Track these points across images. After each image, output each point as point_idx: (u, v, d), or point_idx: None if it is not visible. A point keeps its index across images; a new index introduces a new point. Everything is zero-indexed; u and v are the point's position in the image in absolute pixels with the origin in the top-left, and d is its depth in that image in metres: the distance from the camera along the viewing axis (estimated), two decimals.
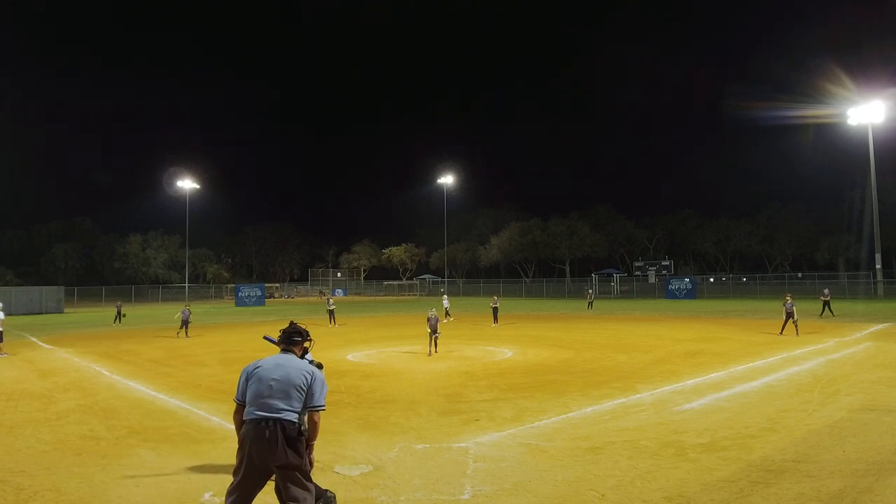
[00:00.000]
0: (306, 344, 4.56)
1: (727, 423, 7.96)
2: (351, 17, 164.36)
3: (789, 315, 19.42)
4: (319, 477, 6.07)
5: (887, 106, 46.00)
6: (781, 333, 19.32)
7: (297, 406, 4.06)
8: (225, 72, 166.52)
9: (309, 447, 4.14)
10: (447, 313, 30.52)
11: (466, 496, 5.51)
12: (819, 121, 53.44)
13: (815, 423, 7.94)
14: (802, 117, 54.99)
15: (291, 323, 4.58)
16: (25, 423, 8.79)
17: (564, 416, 8.64)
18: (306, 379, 4.11)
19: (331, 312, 28.93)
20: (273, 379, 4.08)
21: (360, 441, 7.47)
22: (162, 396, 10.79)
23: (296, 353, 4.39)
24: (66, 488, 5.90)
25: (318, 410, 4.12)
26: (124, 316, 33.49)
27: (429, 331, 16.23)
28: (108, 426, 8.55)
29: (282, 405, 4.01)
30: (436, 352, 15.87)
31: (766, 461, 6.34)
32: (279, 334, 4.53)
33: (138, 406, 10.03)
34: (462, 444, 7.19)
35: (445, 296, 33.73)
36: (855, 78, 48.42)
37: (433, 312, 16.60)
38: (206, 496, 5.63)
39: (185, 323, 23.08)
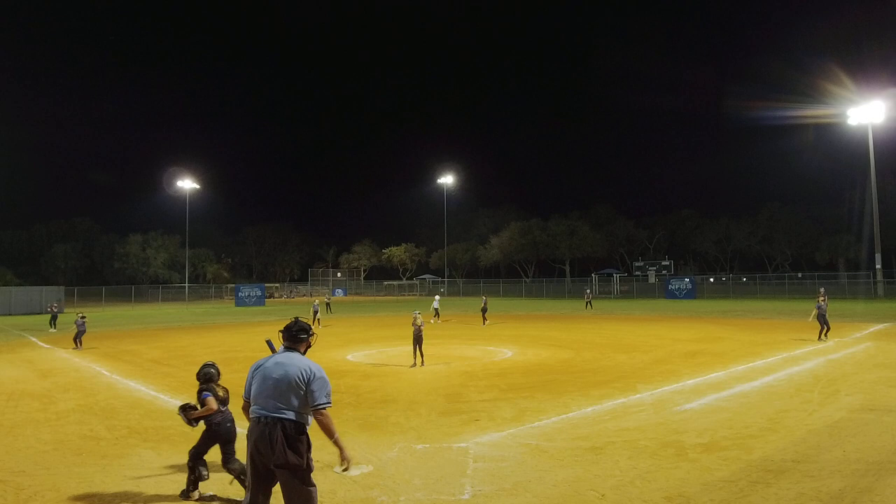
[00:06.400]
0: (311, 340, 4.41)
1: (727, 423, 7.96)
2: (351, 16, 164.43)
3: (822, 316, 17.76)
4: (319, 477, 6.07)
5: (887, 106, 45.98)
6: (819, 338, 17.50)
7: (297, 405, 4.00)
8: (225, 71, 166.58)
9: (337, 447, 4.07)
10: (437, 314, 30.05)
11: (466, 496, 5.52)
12: (819, 121, 53.43)
13: (815, 423, 7.94)
14: (802, 117, 54.96)
15: (296, 319, 4.37)
16: (25, 423, 8.79)
17: (564, 416, 8.64)
18: (304, 377, 4.01)
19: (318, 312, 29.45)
20: (273, 378, 4.05)
21: (360, 441, 7.47)
22: (162, 396, 10.79)
23: (300, 351, 4.27)
24: (65, 488, 5.91)
25: (320, 409, 4.01)
26: (57, 315, 28.58)
27: (413, 337, 14.09)
28: (108, 426, 8.55)
29: (281, 404, 3.98)
30: (422, 364, 13.80)
31: (766, 461, 6.34)
32: (280, 332, 4.34)
33: (138, 406, 10.04)
34: (462, 444, 7.19)
35: (437, 297, 32.79)
36: (855, 78, 48.46)
37: (418, 318, 14.33)
38: (207, 495, 5.64)
39: (79, 333, 19.42)
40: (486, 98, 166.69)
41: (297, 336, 4.27)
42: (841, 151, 62.11)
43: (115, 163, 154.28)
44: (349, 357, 16.04)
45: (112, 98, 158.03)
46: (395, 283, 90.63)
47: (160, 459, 6.83)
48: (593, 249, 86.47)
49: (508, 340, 19.66)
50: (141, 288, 65.51)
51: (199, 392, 5.74)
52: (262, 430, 3.96)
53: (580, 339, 20.17)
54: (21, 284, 63.73)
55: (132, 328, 29.07)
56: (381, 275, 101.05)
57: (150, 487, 5.92)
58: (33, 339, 23.64)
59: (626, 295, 65.06)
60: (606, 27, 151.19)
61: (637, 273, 74.83)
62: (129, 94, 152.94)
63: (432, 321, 28.86)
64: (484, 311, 27.74)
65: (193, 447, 5.71)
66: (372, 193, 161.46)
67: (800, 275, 62.67)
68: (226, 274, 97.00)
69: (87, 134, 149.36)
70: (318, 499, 5.47)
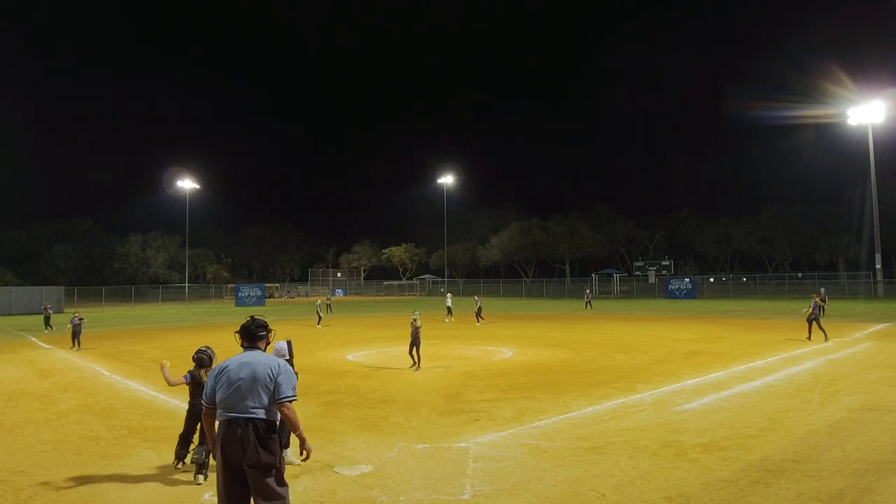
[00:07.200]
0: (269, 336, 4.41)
1: (727, 423, 7.96)
2: (350, 17, 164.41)
3: (815, 313, 17.98)
4: (319, 477, 6.09)
5: (887, 106, 45.94)
6: (825, 338, 17.50)
7: (268, 402, 3.98)
8: (225, 71, 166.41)
9: (300, 440, 4.06)
10: (449, 312, 30.59)
11: (466, 496, 5.52)
12: (819, 121, 53.38)
13: (815, 423, 7.94)
14: (802, 117, 54.91)
15: (252, 318, 4.35)
16: (25, 423, 8.79)
17: (564, 416, 8.64)
18: (272, 373, 4.01)
19: (320, 311, 29.49)
20: (240, 379, 3.98)
21: (360, 441, 7.47)
22: (162, 396, 10.78)
23: (260, 349, 4.26)
24: (65, 488, 5.91)
25: (285, 401, 3.99)
26: (50, 315, 28.50)
27: (410, 338, 13.64)
28: (108, 426, 8.55)
29: (251, 404, 3.94)
30: (418, 368, 13.43)
31: (766, 461, 6.34)
32: (237, 333, 4.30)
33: (138, 406, 10.04)
34: (462, 444, 7.19)
35: (449, 294, 33.16)
36: (855, 78, 48.42)
37: (417, 319, 13.77)
38: (206, 496, 5.63)
39: (75, 333, 19.29)
40: (486, 98, 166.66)
41: (256, 334, 4.26)
42: (841, 151, 62.09)
43: (115, 163, 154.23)
44: (349, 357, 16.04)
45: (112, 98, 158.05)
46: (395, 283, 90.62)
47: (160, 459, 6.83)
48: (593, 249, 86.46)
49: (508, 340, 19.66)
50: (141, 288, 65.50)
51: (187, 372, 6.61)
52: (234, 432, 3.89)
53: (580, 339, 20.17)
54: (21, 284, 63.68)
55: (132, 328, 29.06)
56: (381, 275, 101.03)
57: (150, 487, 5.93)
58: (33, 339, 23.64)
59: (626, 295, 65.05)
60: (606, 27, 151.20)
61: (637, 273, 74.83)
62: (130, 94, 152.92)
63: (447, 320, 29.26)
64: (478, 312, 28.34)
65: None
66: (372, 193, 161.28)
67: (800, 275, 62.68)
68: (226, 274, 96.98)
69: (87, 134, 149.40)
70: (319, 499, 5.50)
